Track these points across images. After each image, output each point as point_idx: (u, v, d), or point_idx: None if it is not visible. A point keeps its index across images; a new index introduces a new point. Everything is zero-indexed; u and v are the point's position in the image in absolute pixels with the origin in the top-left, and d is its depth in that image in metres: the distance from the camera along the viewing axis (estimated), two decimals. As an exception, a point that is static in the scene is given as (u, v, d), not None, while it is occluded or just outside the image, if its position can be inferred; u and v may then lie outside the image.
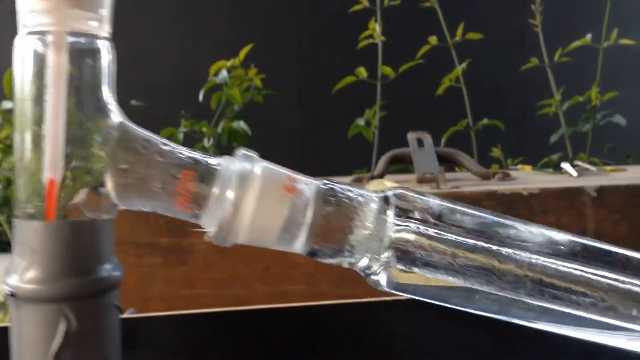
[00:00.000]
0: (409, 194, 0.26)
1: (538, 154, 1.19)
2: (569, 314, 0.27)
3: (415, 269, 0.25)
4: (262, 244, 0.24)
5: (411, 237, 0.25)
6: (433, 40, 1.23)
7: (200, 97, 0.98)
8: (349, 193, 0.25)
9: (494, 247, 0.26)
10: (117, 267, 0.23)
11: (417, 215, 0.26)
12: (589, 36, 1.18)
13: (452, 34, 1.25)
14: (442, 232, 0.26)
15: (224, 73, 0.93)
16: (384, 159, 0.81)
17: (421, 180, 0.77)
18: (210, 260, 0.67)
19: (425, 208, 0.26)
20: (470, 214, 0.27)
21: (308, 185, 0.24)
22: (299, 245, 0.24)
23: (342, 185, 0.25)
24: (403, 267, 0.25)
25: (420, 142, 0.84)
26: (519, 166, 0.87)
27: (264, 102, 1.28)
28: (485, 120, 1.21)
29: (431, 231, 0.25)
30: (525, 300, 0.26)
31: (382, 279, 0.25)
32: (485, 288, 0.26)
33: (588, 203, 0.70)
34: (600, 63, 1.20)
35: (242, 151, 0.24)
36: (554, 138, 1.19)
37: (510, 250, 0.27)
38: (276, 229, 0.24)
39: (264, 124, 1.32)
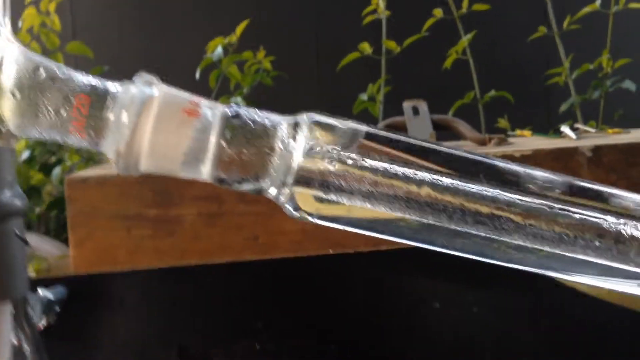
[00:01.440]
0: (326, 119, 0.26)
1: (548, 125, 1.16)
2: (496, 246, 0.26)
3: (330, 196, 0.25)
4: (168, 172, 0.24)
5: (320, 164, 0.24)
6: (438, 12, 1.21)
7: (197, 75, 0.97)
8: (256, 117, 0.24)
9: (415, 172, 0.25)
10: (19, 196, 0.23)
11: (332, 140, 0.25)
12: (598, 2, 1.15)
13: (458, 5, 1.23)
14: (358, 159, 0.25)
15: (219, 50, 0.93)
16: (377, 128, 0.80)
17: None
18: (199, 231, 0.67)
19: (345, 133, 0.25)
20: (397, 139, 0.26)
21: (212, 109, 0.24)
22: (205, 173, 0.24)
23: (250, 109, 0.24)
24: (316, 194, 0.24)
25: (415, 110, 0.82)
26: (518, 131, 0.85)
27: (274, 85, 1.28)
28: (492, 92, 1.19)
29: (345, 158, 0.25)
30: (449, 226, 0.25)
31: (290, 207, 0.24)
32: (409, 216, 0.26)
33: (584, 164, 0.68)
34: (610, 28, 1.17)
35: (142, 75, 0.24)
36: (564, 107, 1.16)
37: (438, 177, 0.26)
38: (179, 155, 0.23)
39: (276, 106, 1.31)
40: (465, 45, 1.20)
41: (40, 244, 0.84)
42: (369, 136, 0.25)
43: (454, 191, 0.25)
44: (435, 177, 0.25)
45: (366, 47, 1.20)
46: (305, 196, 0.24)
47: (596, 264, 0.27)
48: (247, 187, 0.24)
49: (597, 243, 0.27)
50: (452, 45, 1.20)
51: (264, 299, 0.69)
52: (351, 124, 0.25)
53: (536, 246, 0.25)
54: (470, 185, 0.26)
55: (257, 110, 0.24)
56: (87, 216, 0.66)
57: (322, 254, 0.61)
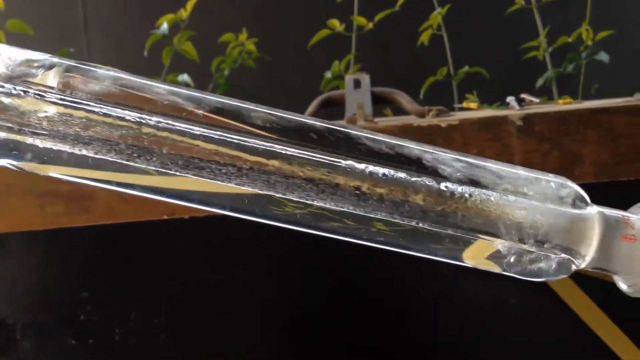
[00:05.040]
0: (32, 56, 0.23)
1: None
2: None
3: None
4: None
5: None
6: (411, -13, 1.17)
7: (145, 52, 0.96)
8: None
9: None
10: None
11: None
12: (575, -29, 1.10)
13: (432, -21, 1.19)
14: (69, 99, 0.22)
15: (164, 26, 0.91)
16: (315, 102, 0.78)
17: (350, 121, 0.73)
18: (113, 207, 0.65)
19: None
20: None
21: None
22: None
23: None
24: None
25: (357, 83, 0.79)
26: (464, 103, 0.82)
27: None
28: (466, 68, 1.15)
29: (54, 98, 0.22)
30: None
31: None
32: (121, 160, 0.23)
33: (514, 133, 0.65)
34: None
35: None
36: (540, 82, 1.12)
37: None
38: None
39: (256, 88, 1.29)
40: (439, 20, 1.16)
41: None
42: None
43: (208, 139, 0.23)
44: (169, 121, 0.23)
45: (336, 24, 1.17)
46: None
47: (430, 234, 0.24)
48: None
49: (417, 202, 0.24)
50: (426, 21, 1.17)
51: (89, 268, 0.68)
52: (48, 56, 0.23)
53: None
54: (235, 137, 0.23)
55: None
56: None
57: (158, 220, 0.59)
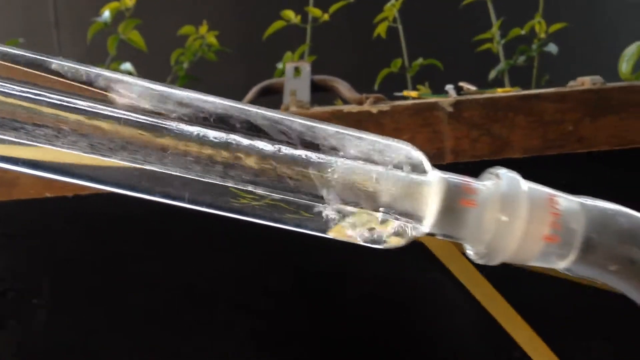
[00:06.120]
0: None
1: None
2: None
3: None
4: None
5: None
6: (367, -22, 1.17)
7: (87, 41, 0.95)
8: None
9: None
10: None
11: None
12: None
13: (388, -30, 1.18)
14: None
15: (106, 14, 0.90)
16: (253, 90, 0.77)
17: (285, 109, 0.73)
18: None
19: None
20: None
21: None
22: None
23: None
24: None
25: (297, 71, 0.79)
26: (404, 92, 0.82)
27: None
28: (420, 60, 1.15)
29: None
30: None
31: None
32: None
33: (444, 119, 0.65)
34: (542, -9, 1.12)
35: None
36: (493, 74, 1.12)
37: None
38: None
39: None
40: (394, 13, 1.16)
41: None
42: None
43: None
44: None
45: (291, 15, 1.16)
46: None
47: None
48: None
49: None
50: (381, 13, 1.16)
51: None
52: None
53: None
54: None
55: None
56: None
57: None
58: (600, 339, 0.86)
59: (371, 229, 0.23)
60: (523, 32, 1.13)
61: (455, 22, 1.32)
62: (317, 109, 0.66)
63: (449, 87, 0.76)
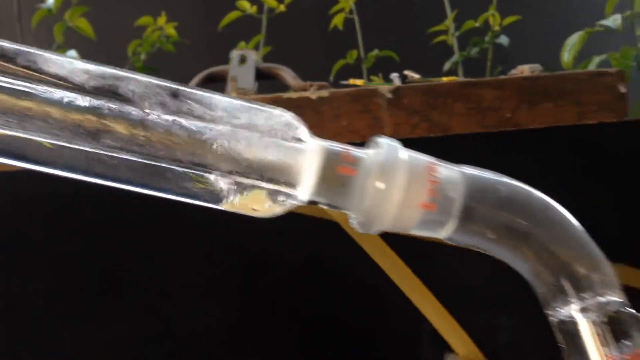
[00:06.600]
0: None
1: (432, 84, 1.13)
2: None
3: None
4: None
5: None
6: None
7: (32, 27, 0.93)
8: None
9: None
10: None
11: None
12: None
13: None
14: None
15: (50, 0, 0.88)
16: (197, 78, 0.77)
17: (229, 95, 0.72)
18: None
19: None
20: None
21: None
22: None
23: None
24: None
25: (243, 59, 0.78)
26: (350, 80, 0.82)
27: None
28: (376, 51, 1.15)
29: None
30: None
31: None
32: None
33: (383, 105, 0.65)
34: (496, -16, 1.13)
35: None
36: (447, 66, 1.12)
37: None
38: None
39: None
40: (351, 4, 1.16)
41: None
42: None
43: None
44: None
45: (246, 6, 1.15)
46: None
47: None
48: None
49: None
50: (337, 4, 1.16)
51: None
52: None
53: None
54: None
55: None
56: None
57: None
58: (505, 312, 0.89)
59: (252, 197, 0.23)
60: (477, 24, 1.13)
61: (411, 14, 1.32)
62: (257, 96, 0.65)
63: (394, 76, 0.76)
